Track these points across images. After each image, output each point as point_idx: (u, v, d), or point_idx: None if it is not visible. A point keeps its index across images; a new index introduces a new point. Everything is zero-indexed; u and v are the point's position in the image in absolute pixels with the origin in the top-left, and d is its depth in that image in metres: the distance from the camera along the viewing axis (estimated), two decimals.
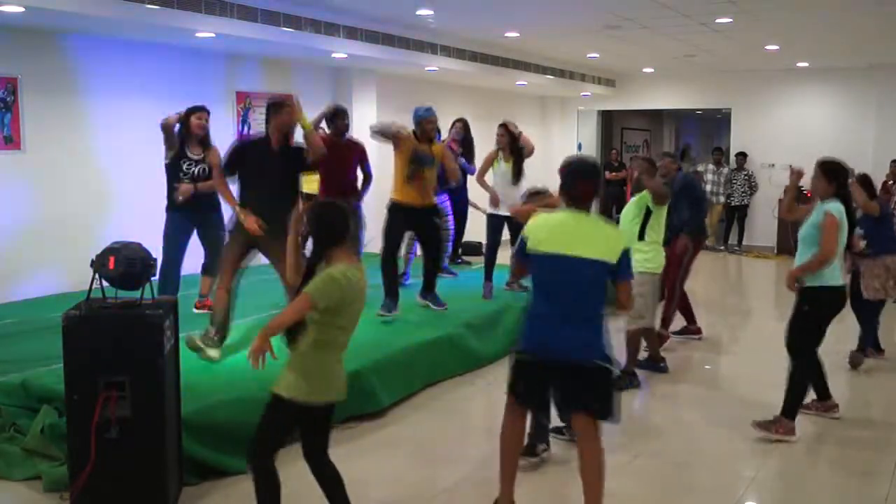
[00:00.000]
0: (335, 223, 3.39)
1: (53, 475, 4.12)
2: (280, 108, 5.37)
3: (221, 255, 5.64)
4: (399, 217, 6.61)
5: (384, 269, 6.59)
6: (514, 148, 7.41)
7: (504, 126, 7.47)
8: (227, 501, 4.17)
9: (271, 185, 5.34)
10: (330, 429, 3.60)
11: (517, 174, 7.38)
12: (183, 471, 4.16)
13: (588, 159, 3.94)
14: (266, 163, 5.34)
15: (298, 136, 5.54)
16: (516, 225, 7.35)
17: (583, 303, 3.60)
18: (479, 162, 8.53)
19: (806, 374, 5.14)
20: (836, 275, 5.05)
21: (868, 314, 6.77)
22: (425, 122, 6.64)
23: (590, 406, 3.64)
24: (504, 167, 7.41)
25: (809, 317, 5.08)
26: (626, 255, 3.62)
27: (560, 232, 3.64)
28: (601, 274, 3.58)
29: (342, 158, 6.97)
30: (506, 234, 7.34)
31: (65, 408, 3.91)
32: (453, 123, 8.63)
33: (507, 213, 7.24)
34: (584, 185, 3.71)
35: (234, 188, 5.49)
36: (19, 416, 4.57)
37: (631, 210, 6.15)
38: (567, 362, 3.57)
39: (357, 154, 7.08)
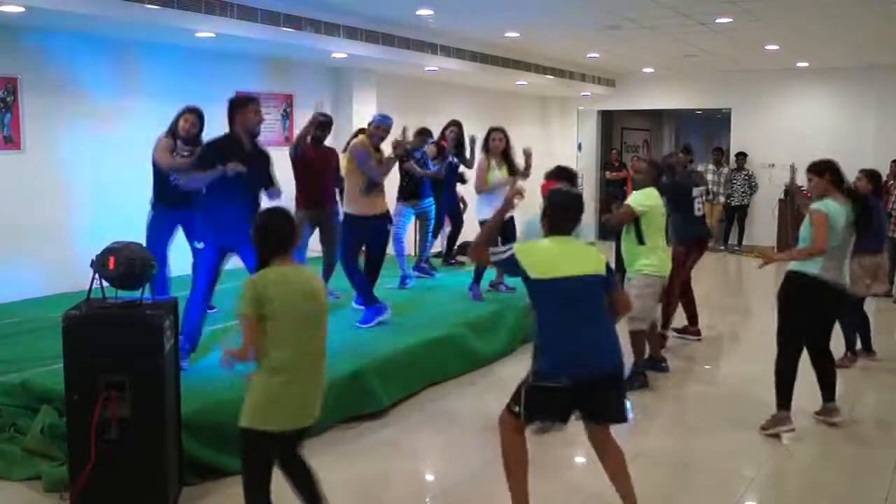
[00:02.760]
0: (277, 231, 3.33)
1: (53, 475, 4.11)
2: (245, 106, 5.15)
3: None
4: (355, 231, 6.57)
5: (354, 281, 6.58)
6: (506, 154, 7.40)
7: (500, 131, 7.41)
8: (227, 501, 4.16)
9: (246, 189, 5.11)
10: (299, 453, 3.42)
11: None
12: (183, 471, 4.16)
13: (572, 191, 4.04)
14: (247, 173, 5.07)
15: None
16: (509, 232, 7.39)
17: (596, 314, 3.70)
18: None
19: (783, 365, 5.11)
20: (815, 264, 4.98)
21: (851, 309, 6.56)
22: (383, 129, 6.59)
23: (616, 414, 3.74)
24: (499, 175, 7.32)
25: (784, 301, 5.10)
26: (609, 269, 3.81)
27: (552, 257, 3.72)
28: (600, 286, 3.73)
29: (323, 167, 6.95)
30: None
31: (65, 408, 3.91)
32: (448, 126, 8.51)
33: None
34: (567, 216, 3.84)
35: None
36: (19, 416, 4.57)
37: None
38: (601, 376, 3.63)
39: (336, 162, 7.12)
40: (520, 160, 7.46)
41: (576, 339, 3.61)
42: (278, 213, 3.47)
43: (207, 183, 5.08)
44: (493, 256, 3.91)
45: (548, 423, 3.77)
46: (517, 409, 3.64)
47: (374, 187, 6.55)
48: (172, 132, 6.15)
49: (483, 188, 7.37)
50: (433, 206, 8.33)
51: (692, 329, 7.56)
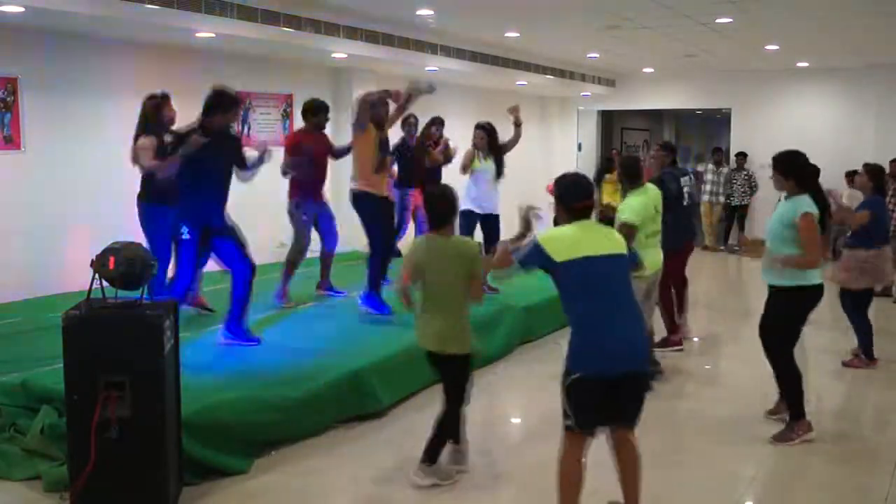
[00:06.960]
0: (447, 205, 4.27)
1: (53, 475, 4.12)
2: (231, 110, 5.48)
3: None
4: (383, 209, 6.57)
5: (384, 264, 6.63)
6: (493, 147, 7.45)
7: (482, 128, 7.45)
8: (227, 501, 4.17)
9: (216, 172, 5.47)
10: (451, 380, 4.45)
11: (499, 173, 7.50)
12: (183, 471, 4.16)
13: (582, 177, 3.92)
14: (219, 154, 5.42)
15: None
16: (492, 224, 7.40)
17: (628, 300, 3.63)
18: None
19: (789, 371, 5.06)
20: (815, 273, 4.92)
21: (852, 309, 6.64)
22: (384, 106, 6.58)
23: (633, 416, 3.71)
24: (484, 165, 7.42)
25: (786, 317, 5.02)
26: (630, 249, 3.86)
27: (578, 240, 3.61)
28: (627, 266, 3.73)
29: (321, 155, 6.98)
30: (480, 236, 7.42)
31: (65, 408, 3.91)
32: (431, 124, 8.52)
33: (483, 211, 7.38)
34: (583, 201, 3.73)
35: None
36: (19, 416, 4.57)
37: None
38: (630, 373, 3.57)
39: (328, 147, 7.18)
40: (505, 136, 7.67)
41: (609, 330, 3.50)
42: (445, 190, 4.38)
43: (177, 168, 5.37)
44: (516, 254, 3.75)
45: (600, 425, 3.63)
46: (569, 421, 3.54)
47: (382, 168, 6.59)
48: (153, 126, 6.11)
49: (463, 172, 7.48)
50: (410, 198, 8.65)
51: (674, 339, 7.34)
